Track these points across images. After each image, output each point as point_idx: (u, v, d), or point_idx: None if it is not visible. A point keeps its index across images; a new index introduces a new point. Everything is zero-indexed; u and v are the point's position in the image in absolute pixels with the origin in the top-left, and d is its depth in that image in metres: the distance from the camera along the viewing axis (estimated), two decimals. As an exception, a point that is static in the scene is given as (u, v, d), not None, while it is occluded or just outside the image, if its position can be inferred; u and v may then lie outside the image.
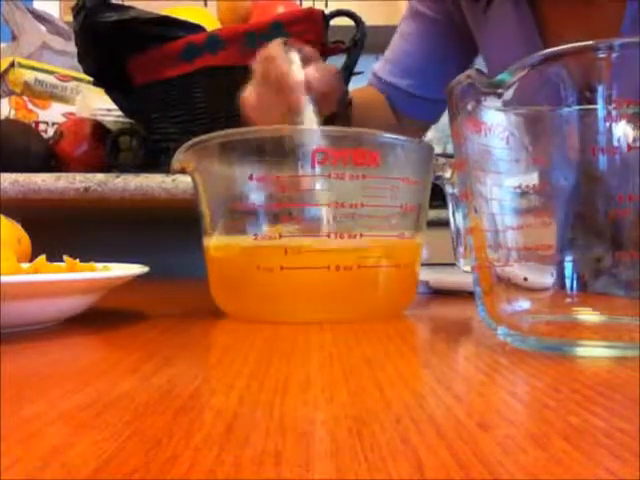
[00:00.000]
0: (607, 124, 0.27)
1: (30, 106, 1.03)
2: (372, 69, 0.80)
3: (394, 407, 0.20)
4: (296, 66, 0.54)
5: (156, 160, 0.86)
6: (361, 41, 0.81)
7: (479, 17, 0.67)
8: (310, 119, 0.51)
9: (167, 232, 1.02)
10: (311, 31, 0.78)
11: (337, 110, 0.61)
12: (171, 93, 0.84)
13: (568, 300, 0.30)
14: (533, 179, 0.30)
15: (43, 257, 0.41)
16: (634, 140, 0.27)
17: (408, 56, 0.77)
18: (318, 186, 0.40)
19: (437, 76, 0.77)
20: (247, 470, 0.15)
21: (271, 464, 0.15)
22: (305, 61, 0.55)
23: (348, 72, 0.82)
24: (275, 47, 0.55)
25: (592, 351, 0.28)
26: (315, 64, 0.56)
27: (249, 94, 0.57)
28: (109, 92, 0.88)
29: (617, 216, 0.28)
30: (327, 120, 0.58)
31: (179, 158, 0.41)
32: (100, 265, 0.44)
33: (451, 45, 0.76)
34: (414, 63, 0.77)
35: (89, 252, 0.48)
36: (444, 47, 0.76)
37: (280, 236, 0.38)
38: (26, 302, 0.34)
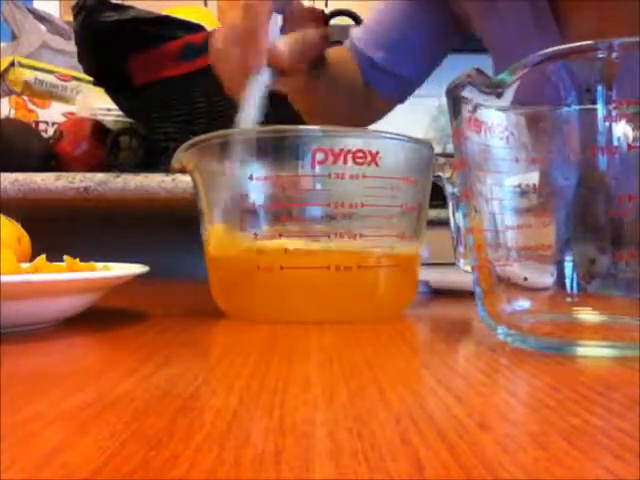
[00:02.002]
0: (607, 124, 0.27)
1: (30, 106, 1.03)
2: (350, 33, 0.77)
3: (394, 407, 0.20)
4: (272, 30, 0.49)
5: (156, 160, 0.86)
6: (361, 41, 0.81)
7: (485, 6, 0.67)
8: (256, 89, 0.47)
9: (167, 232, 1.02)
10: (311, 31, 0.78)
11: (310, 69, 0.59)
12: (171, 93, 0.84)
13: (568, 300, 0.30)
14: (533, 179, 0.30)
15: (43, 257, 0.41)
16: (634, 140, 0.27)
17: (387, 29, 0.74)
18: (318, 186, 0.40)
19: (413, 55, 0.75)
20: (247, 470, 0.15)
21: (271, 464, 0.15)
22: (291, 23, 0.52)
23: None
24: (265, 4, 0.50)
25: (592, 351, 0.28)
26: (295, 34, 0.51)
27: (219, 35, 0.52)
28: (109, 92, 0.88)
29: (617, 216, 0.28)
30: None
31: (179, 157, 0.41)
32: (100, 265, 0.44)
33: (435, 27, 0.74)
34: (393, 37, 0.74)
35: (89, 252, 0.48)
36: (428, 27, 0.73)
37: (280, 236, 0.38)
38: (26, 302, 0.34)
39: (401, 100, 0.80)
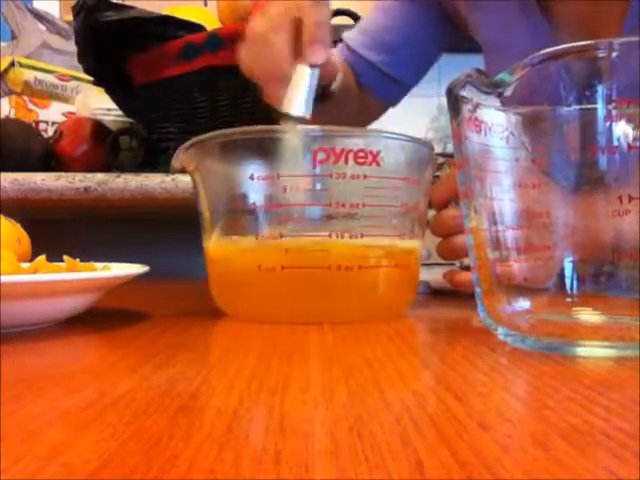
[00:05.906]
0: (607, 124, 0.27)
1: (30, 106, 1.03)
2: (343, 37, 0.76)
3: (394, 407, 0.20)
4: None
5: (156, 160, 0.86)
6: (361, 40, 0.80)
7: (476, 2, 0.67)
8: (307, 80, 0.48)
9: (167, 232, 1.02)
10: (311, 31, 0.78)
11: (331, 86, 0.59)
12: (171, 93, 0.84)
13: (568, 300, 0.30)
14: (533, 179, 0.30)
15: (43, 257, 0.41)
16: (634, 140, 0.27)
17: (386, 32, 0.74)
18: (319, 186, 0.40)
19: (412, 57, 0.75)
20: (247, 470, 0.15)
21: (271, 464, 0.15)
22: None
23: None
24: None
25: (592, 351, 0.28)
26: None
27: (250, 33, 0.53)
28: (109, 92, 0.88)
29: (617, 216, 0.28)
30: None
31: (180, 157, 0.41)
32: (100, 265, 0.44)
33: (432, 28, 0.74)
34: (392, 40, 0.74)
35: (89, 252, 0.48)
36: (426, 29, 0.74)
37: (281, 236, 0.38)
38: (26, 302, 0.34)
39: (395, 103, 0.79)
